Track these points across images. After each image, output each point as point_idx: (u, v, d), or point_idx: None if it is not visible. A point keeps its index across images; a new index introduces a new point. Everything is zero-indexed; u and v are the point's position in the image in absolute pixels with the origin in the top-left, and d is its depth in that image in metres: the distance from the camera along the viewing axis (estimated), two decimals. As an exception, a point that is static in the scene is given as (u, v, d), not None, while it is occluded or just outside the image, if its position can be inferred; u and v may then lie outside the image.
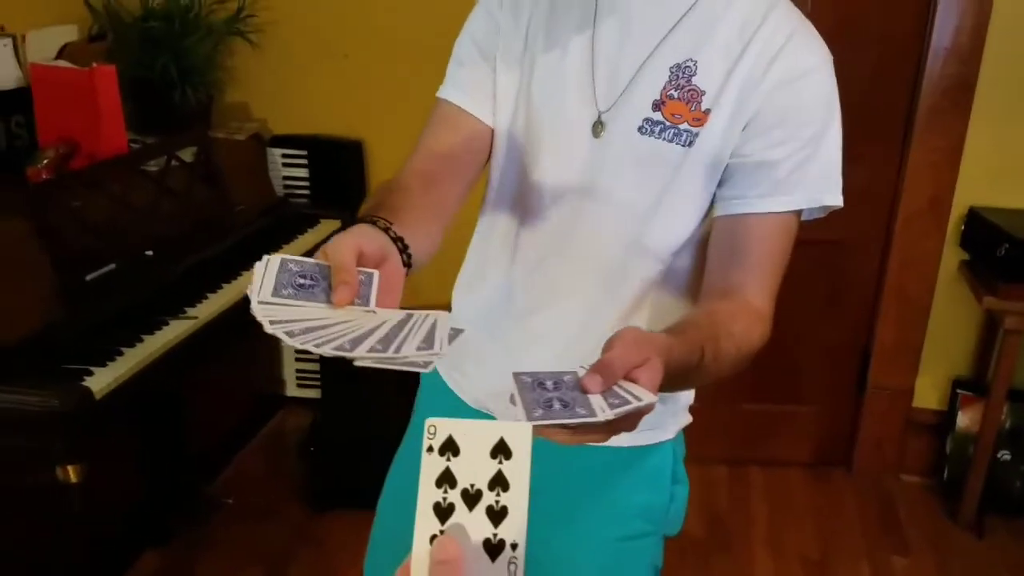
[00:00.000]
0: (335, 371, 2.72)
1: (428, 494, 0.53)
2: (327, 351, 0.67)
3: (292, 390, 2.91)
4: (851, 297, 2.63)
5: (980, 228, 2.37)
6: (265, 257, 0.76)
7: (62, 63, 2.10)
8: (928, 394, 2.63)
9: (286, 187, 2.61)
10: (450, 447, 0.55)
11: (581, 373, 0.69)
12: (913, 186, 2.46)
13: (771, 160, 0.98)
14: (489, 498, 0.53)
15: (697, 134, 0.99)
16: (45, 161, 1.91)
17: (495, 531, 0.53)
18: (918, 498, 2.63)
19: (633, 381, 0.69)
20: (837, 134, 1.01)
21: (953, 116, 2.38)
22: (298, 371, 2.89)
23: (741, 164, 1.00)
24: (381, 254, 0.81)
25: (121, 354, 1.63)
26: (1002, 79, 2.33)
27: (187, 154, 2.12)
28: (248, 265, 2.11)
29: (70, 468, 1.51)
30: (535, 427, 0.57)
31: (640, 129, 1.01)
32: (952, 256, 2.49)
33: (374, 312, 0.76)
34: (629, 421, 0.68)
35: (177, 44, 2.35)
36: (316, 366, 2.84)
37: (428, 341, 0.71)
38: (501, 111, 1.10)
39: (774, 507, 2.60)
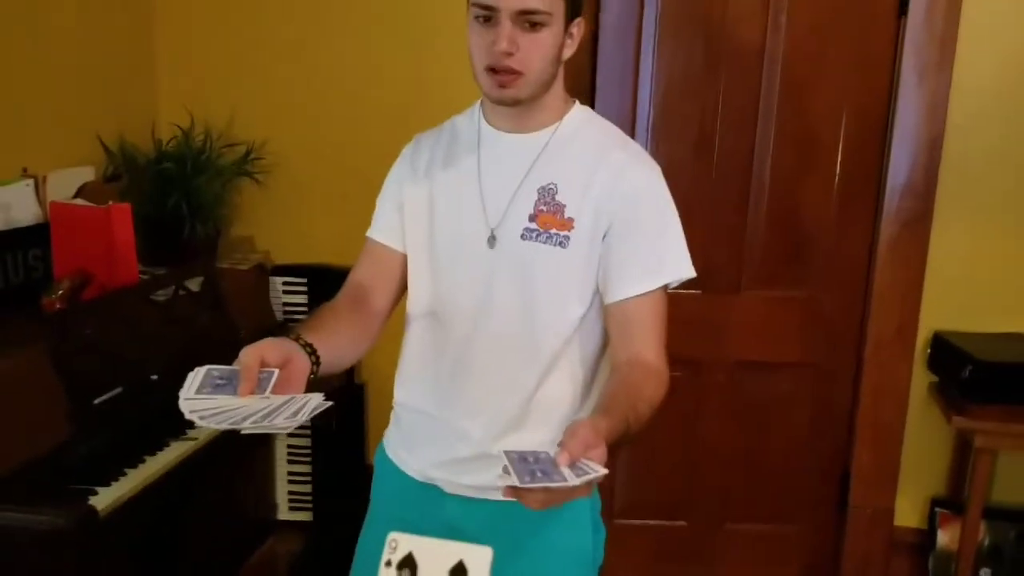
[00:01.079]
0: (326, 492, 2.78)
1: None
2: (223, 426, 0.98)
3: (284, 513, 2.94)
4: (830, 420, 2.73)
5: (945, 352, 2.49)
6: (196, 368, 1.07)
7: (80, 201, 2.25)
8: (908, 514, 2.68)
9: (286, 312, 2.73)
10: (408, 564, 0.60)
11: (552, 452, 0.94)
12: (879, 314, 2.59)
13: (634, 256, 1.29)
14: None
15: (568, 236, 1.30)
16: (60, 292, 2.03)
17: None
18: (905, 619, 2.65)
19: (589, 459, 0.96)
20: (677, 225, 1.35)
21: (912, 247, 2.54)
22: (290, 493, 2.94)
23: (614, 264, 1.30)
24: (284, 357, 1.10)
25: (125, 474, 1.71)
26: (955, 214, 2.50)
27: (194, 283, 2.26)
28: (248, 389, 2.20)
29: (72, 585, 1.56)
30: (517, 489, 0.72)
31: (522, 236, 1.31)
32: (922, 379, 2.60)
33: (268, 398, 1.03)
34: (588, 488, 0.98)
35: (188, 184, 2.52)
36: (308, 488, 2.88)
37: (296, 415, 1.00)
38: (411, 237, 1.39)
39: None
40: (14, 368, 1.73)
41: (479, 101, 1.41)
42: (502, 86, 1.27)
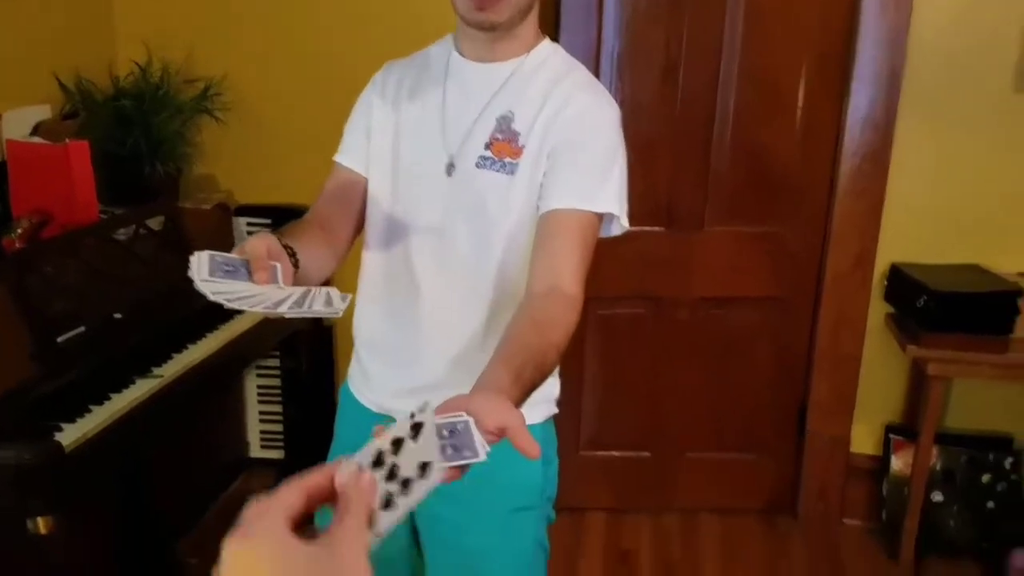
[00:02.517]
0: (297, 431, 2.81)
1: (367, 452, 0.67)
2: (259, 310, 0.97)
3: (256, 451, 2.98)
4: (790, 352, 2.79)
5: (902, 283, 2.54)
6: (196, 252, 1.04)
7: (37, 139, 2.22)
8: (865, 440, 2.77)
9: (250, 254, 2.73)
10: (379, 462, 0.67)
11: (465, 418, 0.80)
12: (838, 247, 2.63)
13: (575, 175, 1.28)
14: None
15: (516, 164, 1.31)
16: (19, 231, 2.02)
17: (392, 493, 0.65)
18: (860, 542, 2.75)
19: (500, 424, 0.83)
20: (623, 171, 1.33)
21: (871, 181, 2.57)
22: (262, 432, 2.97)
23: (551, 179, 1.29)
24: (279, 254, 1.09)
25: (90, 411, 1.73)
26: (914, 147, 2.54)
27: (156, 223, 2.24)
28: (212, 327, 2.21)
29: (40, 520, 1.59)
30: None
31: (477, 164, 1.33)
32: (879, 310, 2.66)
33: (282, 287, 1.04)
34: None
35: (147, 121, 2.49)
36: (280, 427, 2.92)
37: (328, 302, 1.01)
38: (375, 161, 1.41)
39: (725, 554, 2.70)
40: (-25, 307, 1.73)
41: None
42: (480, 8, 1.25)
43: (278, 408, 2.91)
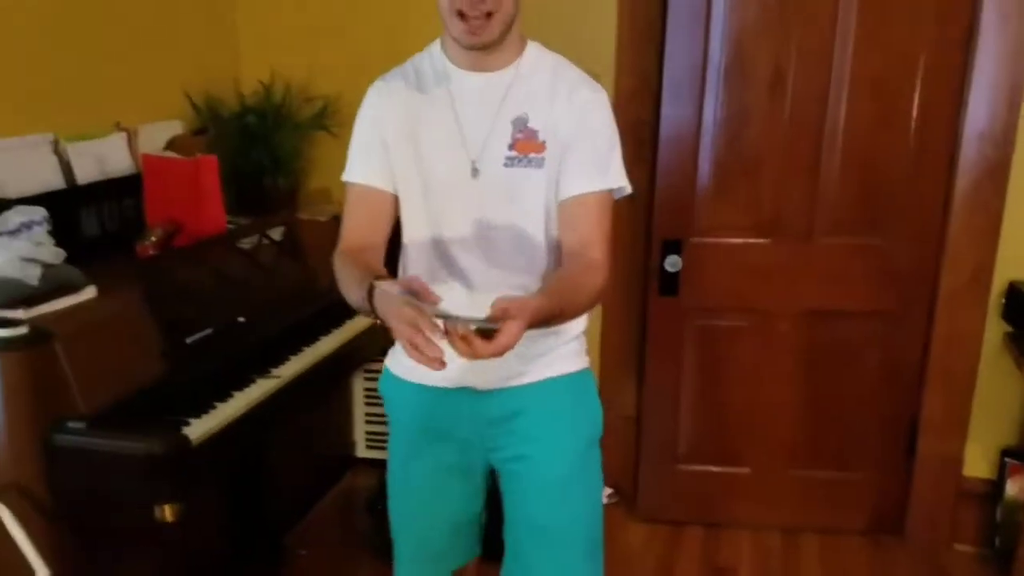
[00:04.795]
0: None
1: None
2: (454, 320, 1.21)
3: (362, 451, 3.10)
4: (900, 368, 2.71)
5: (1021, 302, 2.45)
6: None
7: (170, 154, 2.39)
8: (978, 463, 2.67)
9: (361, 263, 2.85)
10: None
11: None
12: (954, 262, 2.56)
13: (586, 159, 1.47)
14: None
15: (543, 158, 1.48)
16: (153, 239, 2.17)
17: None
18: (971, 568, 2.65)
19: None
20: (618, 145, 1.51)
21: (990, 195, 2.49)
22: (368, 433, 3.08)
23: (568, 167, 1.47)
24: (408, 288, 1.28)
25: (215, 407, 1.84)
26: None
27: (276, 233, 2.37)
28: (326, 331, 2.33)
29: (167, 507, 1.70)
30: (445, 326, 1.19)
31: (505, 164, 1.47)
32: (996, 328, 2.56)
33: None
34: (494, 345, 1.20)
35: (270, 138, 2.64)
36: (384, 428, 3.02)
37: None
38: (401, 172, 1.52)
39: (829, 575, 2.65)
40: (113, 309, 1.87)
41: (437, 42, 1.53)
42: (474, 33, 1.40)
43: (383, 410, 3.01)
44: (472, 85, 1.49)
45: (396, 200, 1.55)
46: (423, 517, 1.69)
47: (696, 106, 2.58)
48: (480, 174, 1.48)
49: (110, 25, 2.38)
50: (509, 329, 1.20)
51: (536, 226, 1.50)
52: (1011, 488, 2.56)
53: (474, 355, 1.20)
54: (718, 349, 2.77)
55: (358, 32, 2.81)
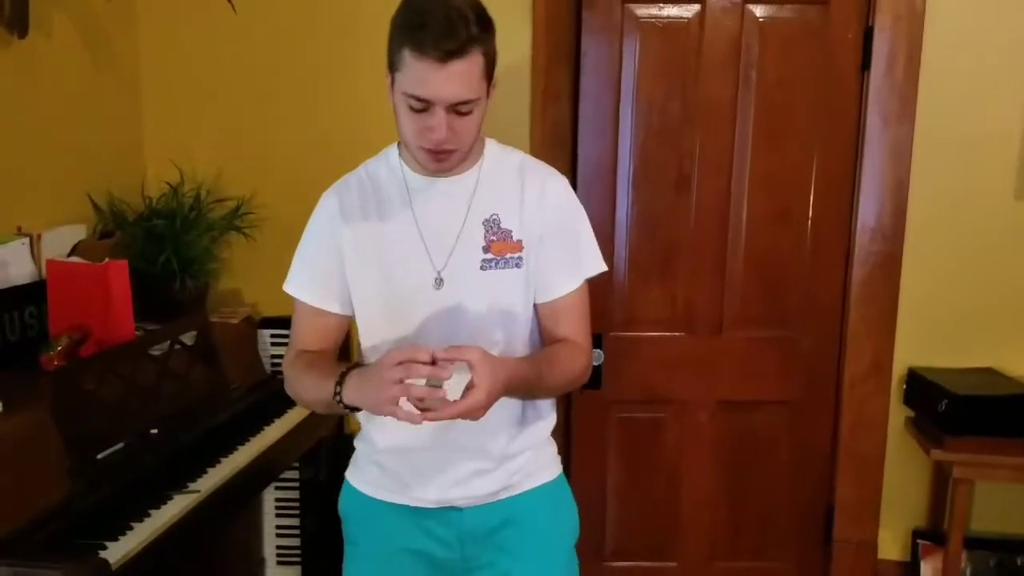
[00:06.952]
0: (315, 545, 2.78)
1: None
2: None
3: (272, 568, 2.93)
4: (812, 456, 2.80)
5: (921, 387, 2.58)
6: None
7: (76, 259, 2.28)
8: (891, 546, 2.75)
9: (273, 365, 2.75)
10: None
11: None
12: (855, 351, 2.68)
13: (559, 259, 1.48)
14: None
15: (521, 257, 1.46)
16: (59, 348, 2.04)
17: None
18: (893, 652, 2.69)
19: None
20: (588, 226, 1.52)
21: (884, 286, 2.64)
22: (279, 548, 2.93)
23: (544, 268, 1.47)
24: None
25: (132, 528, 1.72)
26: (924, 253, 2.62)
27: (188, 338, 2.28)
28: (243, 439, 2.22)
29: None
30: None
31: (482, 268, 1.44)
32: (898, 413, 2.68)
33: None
34: (464, 407, 1.24)
35: (178, 240, 2.55)
36: (296, 541, 2.88)
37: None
38: (360, 283, 1.47)
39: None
40: (17, 426, 1.73)
41: (393, 147, 1.51)
42: (439, 162, 1.39)
43: (295, 521, 2.88)
44: (436, 191, 1.46)
45: (350, 318, 1.51)
46: None
47: (609, 207, 2.67)
48: (445, 284, 1.44)
49: (8, 125, 2.28)
50: (481, 383, 1.23)
51: (517, 322, 1.48)
52: (926, 569, 2.63)
53: (445, 414, 1.23)
54: (640, 441, 2.80)
55: (268, 132, 2.79)
